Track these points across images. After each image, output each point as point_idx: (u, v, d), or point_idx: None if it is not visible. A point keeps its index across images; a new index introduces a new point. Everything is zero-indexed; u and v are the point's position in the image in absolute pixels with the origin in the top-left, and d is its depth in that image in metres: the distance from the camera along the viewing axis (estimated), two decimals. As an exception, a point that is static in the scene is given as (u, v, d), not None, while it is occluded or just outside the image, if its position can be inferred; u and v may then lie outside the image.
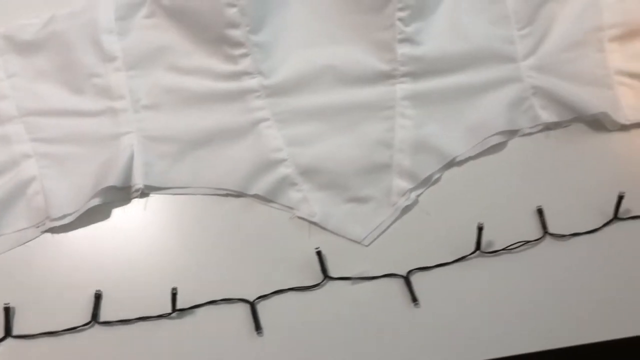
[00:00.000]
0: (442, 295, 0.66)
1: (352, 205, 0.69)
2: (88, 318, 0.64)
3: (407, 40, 0.71)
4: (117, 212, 0.69)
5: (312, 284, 0.66)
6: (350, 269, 0.66)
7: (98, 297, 0.65)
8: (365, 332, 0.64)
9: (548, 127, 0.73)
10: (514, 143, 0.73)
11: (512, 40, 0.74)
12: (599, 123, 0.73)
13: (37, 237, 0.67)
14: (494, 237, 0.67)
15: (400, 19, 0.70)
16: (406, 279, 0.66)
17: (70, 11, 0.72)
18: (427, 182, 0.70)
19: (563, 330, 0.64)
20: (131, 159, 0.68)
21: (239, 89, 0.71)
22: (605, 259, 0.67)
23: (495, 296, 0.66)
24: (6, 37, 0.72)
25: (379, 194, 0.69)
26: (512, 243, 0.67)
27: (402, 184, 0.69)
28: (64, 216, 0.67)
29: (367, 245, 0.68)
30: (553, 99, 0.72)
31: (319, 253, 0.65)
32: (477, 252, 0.66)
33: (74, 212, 0.67)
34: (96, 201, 0.67)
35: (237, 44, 0.70)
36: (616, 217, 0.68)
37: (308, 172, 0.69)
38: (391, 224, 0.69)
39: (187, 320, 0.64)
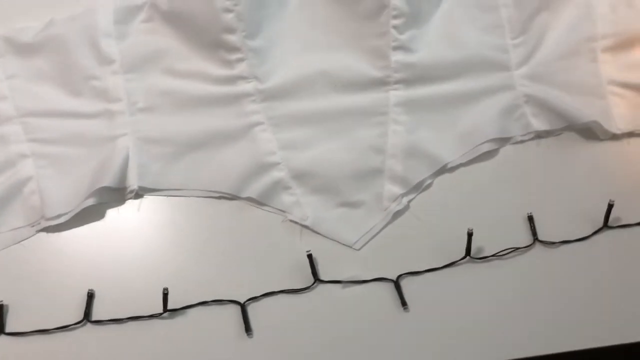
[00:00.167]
0: (431, 300, 0.66)
1: (344, 209, 0.70)
2: (80, 317, 0.64)
3: (401, 47, 0.72)
4: (112, 213, 0.70)
5: (302, 287, 0.66)
6: (340, 273, 0.67)
7: (91, 296, 0.65)
8: (354, 335, 0.65)
9: (540, 135, 0.74)
10: (506, 150, 0.73)
11: (505, 49, 0.74)
12: (590, 132, 0.73)
13: (32, 236, 0.68)
14: (484, 243, 0.68)
15: (394, 27, 0.71)
16: (396, 283, 0.66)
17: (70, 15, 0.73)
18: (419, 187, 0.71)
19: (551, 336, 0.64)
20: (126, 160, 0.69)
21: (234, 93, 0.72)
22: (594, 266, 0.68)
23: (484, 302, 0.66)
24: (6, 39, 0.73)
25: (370, 198, 0.70)
26: (502, 249, 0.67)
27: (394, 189, 0.70)
28: (59, 216, 0.67)
29: (358, 250, 0.69)
30: (545, 107, 0.73)
31: (310, 256, 0.66)
32: (467, 257, 0.67)
33: (68, 212, 0.68)
34: (91, 201, 0.68)
35: (233, 48, 0.71)
36: (606, 226, 0.68)
37: (301, 176, 0.70)
38: (382, 229, 0.69)
39: (178, 320, 0.65)
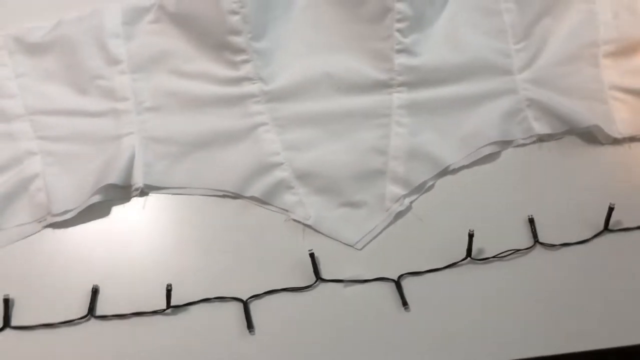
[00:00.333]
0: (432, 300, 0.66)
1: (346, 209, 0.71)
2: (85, 311, 0.65)
3: (404, 50, 0.73)
4: (117, 210, 0.71)
5: (304, 285, 0.67)
6: (342, 272, 0.67)
7: (95, 291, 0.66)
8: (355, 334, 0.65)
9: (541, 138, 0.74)
10: (508, 153, 0.74)
11: (508, 53, 0.75)
12: (591, 136, 0.74)
13: (38, 231, 0.69)
14: (485, 245, 0.68)
15: (398, 30, 0.72)
16: (397, 283, 0.67)
17: (78, 15, 0.74)
18: (421, 189, 0.72)
19: (550, 338, 0.65)
20: (132, 158, 0.70)
21: (239, 94, 0.73)
22: (594, 269, 0.68)
23: (484, 303, 0.66)
24: (16, 38, 0.74)
25: (372, 199, 0.71)
26: (502, 251, 0.68)
27: (396, 190, 0.71)
28: (65, 212, 0.68)
29: (359, 249, 0.69)
30: (547, 111, 0.74)
31: (312, 255, 0.66)
32: (468, 259, 0.67)
33: (74, 209, 0.68)
34: (97, 198, 0.68)
35: (239, 50, 0.72)
36: (606, 229, 0.69)
37: (304, 176, 0.71)
38: (384, 229, 0.70)
39: (181, 316, 0.66)
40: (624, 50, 0.76)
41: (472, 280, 0.67)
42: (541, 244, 0.69)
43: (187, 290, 0.66)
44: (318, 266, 0.67)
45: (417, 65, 0.73)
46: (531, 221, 0.69)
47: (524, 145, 0.74)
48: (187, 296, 0.66)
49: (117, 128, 0.72)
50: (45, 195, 0.69)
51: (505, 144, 0.74)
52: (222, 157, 0.72)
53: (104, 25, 0.73)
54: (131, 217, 0.70)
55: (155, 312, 0.65)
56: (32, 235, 0.69)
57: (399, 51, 0.72)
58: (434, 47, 0.74)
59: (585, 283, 0.67)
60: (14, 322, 0.65)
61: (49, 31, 0.74)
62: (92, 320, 0.65)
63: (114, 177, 0.68)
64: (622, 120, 0.74)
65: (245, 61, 0.72)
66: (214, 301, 0.66)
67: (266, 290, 0.66)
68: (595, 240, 0.69)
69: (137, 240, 0.69)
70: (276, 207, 0.71)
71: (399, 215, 0.70)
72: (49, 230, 0.69)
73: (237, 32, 0.71)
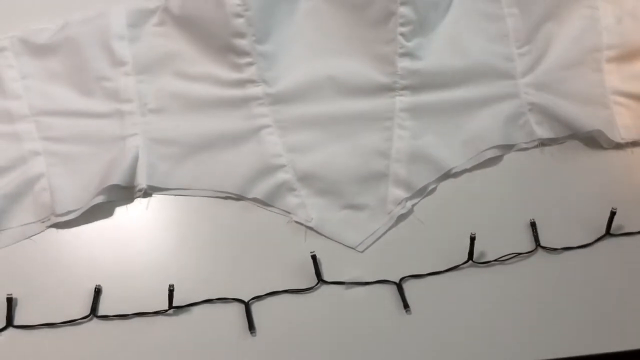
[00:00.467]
0: (433, 303, 0.67)
1: (348, 211, 0.71)
2: (87, 311, 0.65)
3: (407, 54, 0.73)
4: (120, 211, 0.71)
5: (306, 287, 0.67)
6: (344, 274, 0.68)
7: (98, 291, 0.66)
8: (356, 336, 0.65)
9: (543, 142, 0.74)
10: (510, 157, 0.74)
11: (510, 57, 0.76)
12: (594, 140, 0.74)
13: (42, 231, 0.69)
14: (487, 248, 0.68)
15: (401, 34, 0.72)
16: (398, 286, 0.67)
17: (84, 17, 0.75)
18: (423, 192, 0.72)
19: (552, 342, 0.65)
20: (136, 159, 0.70)
21: (243, 96, 0.73)
22: (596, 274, 0.68)
23: (485, 306, 0.66)
24: (22, 40, 0.74)
25: (374, 201, 0.71)
26: (504, 254, 0.68)
27: (398, 193, 0.71)
28: (69, 212, 0.69)
29: (361, 252, 0.69)
30: (549, 115, 0.74)
31: (314, 257, 0.66)
32: (470, 262, 0.67)
33: (78, 209, 0.69)
34: (100, 199, 0.69)
35: (243, 53, 0.72)
36: (608, 233, 0.69)
37: (306, 178, 0.71)
38: (386, 232, 0.70)
39: (183, 317, 0.66)
40: (627, 56, 0.76)
41: (473, 284, 0.67)
42: (543, 247, 0.69)
43: (189, 290, 0.66)
44: (320, 268, 0.67)
45: (420, 69, 0.73)
46: (533, 225, 0.70)
47: (526, 149, 0.74)
48: (189, 297, 0.66)
49: (121, 129, 0.72)
50: (49, 196, 0.69)
51: (508, 147, 0.74)
52: (225, 159, 0.72)
53: (110, 27, 0.74)
54: (134, 217, 0.71)
55: (157, 313, 0.65)
56: (35, 235, 0.69)
57: (402, 55, 0.73)
58: (437, 51, 0.74)
59: (586, 287, 0.67)
60: (16, 322, 0.65)
61: (55, 33, 0.74)
62: (95, 320, 0.65)
63: (117, 178, 0.69)
64: (625, 125, 0.74)
65: (249, 64, 0.73)
66: (216, 302, 0.66)
67: (268, 291, 0.67)
68: (597, 245, 0.69)
69: (140, 240, 0.70)
70: (278, 209, 0.71)
71: (401, 218, 0.71)
72: (53, 230, 0.70)
73: (241, 35, 0.72)
